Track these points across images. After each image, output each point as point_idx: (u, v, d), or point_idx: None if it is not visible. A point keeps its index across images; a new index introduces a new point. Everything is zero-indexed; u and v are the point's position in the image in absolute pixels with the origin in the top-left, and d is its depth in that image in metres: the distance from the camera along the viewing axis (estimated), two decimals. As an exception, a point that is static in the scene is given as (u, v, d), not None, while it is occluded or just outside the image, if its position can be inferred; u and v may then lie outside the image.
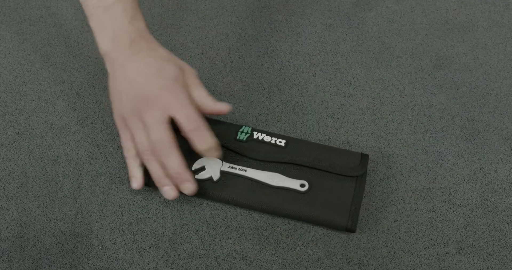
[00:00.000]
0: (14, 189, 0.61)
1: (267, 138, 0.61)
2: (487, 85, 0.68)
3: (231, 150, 0.60)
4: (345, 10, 0.74)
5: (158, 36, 0.70)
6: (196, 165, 0.59)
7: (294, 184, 0.59)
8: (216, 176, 0.59)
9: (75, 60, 0.69)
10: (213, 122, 0.62)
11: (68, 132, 0.64)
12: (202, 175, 0.59)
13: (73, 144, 0.63)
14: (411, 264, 0.57)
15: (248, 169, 0.59)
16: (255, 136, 0.61)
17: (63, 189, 0.61)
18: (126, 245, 0.58)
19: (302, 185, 0.58)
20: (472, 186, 0.62)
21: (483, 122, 0.66)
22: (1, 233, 0.58)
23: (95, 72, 0.68)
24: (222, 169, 0.59)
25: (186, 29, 0.72)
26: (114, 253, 0.58)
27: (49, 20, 0.72)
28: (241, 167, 0.59)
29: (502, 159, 0.63)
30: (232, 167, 0.59)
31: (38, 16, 0.72)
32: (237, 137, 0.61)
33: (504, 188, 0.61)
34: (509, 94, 0.67)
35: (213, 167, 0.59)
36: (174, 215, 0.60)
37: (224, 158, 0.60)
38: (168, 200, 0.60)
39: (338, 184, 0.58)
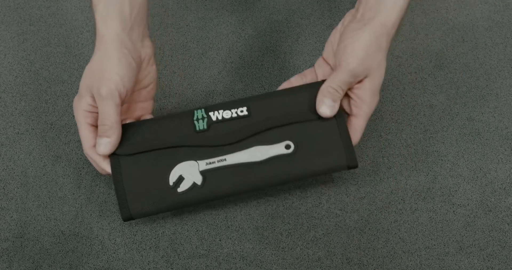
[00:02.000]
0: (14, 189, 0.61)
1: (227, 114, 0.55)
2: (487, 85, 0.68)
3: (198, 146, 0.54)
4: (345, 10, 0.74)
5: (158, 36, 0.70)
6: (172, 178, 0.53)
7: (278, 149, 0.54)
8: (198, 179, 0.53)
9: (75, 60, 0.69)
10: (161, 119, 0.56)
11: (68, 132, 0.64)
12: (185, 186, 0.53)
13: (73, 144, 0.63)
14: (411, 264, 0.57)
15: (227, 157, 0.54)
16: (213, 118, 0.54)
17: (63, 189, 0.61)
18: (126, 245, 0.58)
19: (288, 146, 0.54)
20: (472, 186, 0.62)
21: (483, 122, 0.66)
22: (1, 233, 0.58)
23: (95, 72, 0.68)
24: (200, 169, 0.54)
25: (186, 29, 0.72)
26: (114, 253, 0.58)
27: (49, 20, 0.72)
28: (219, 159, 0.54)
29: (502, 159, 0.63)
30: (209, 163, 0.54)
31: (38, 16, 0.72)
32: (197, 128, 0.54)
33: (504, 188, 0.61)
34: (509, 94, 0.67)
35: (190, 172, 0.53)
36: (174, 215, 0.60)
37: (196, 157, 0.54)
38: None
39: (320, 129, 0.55)
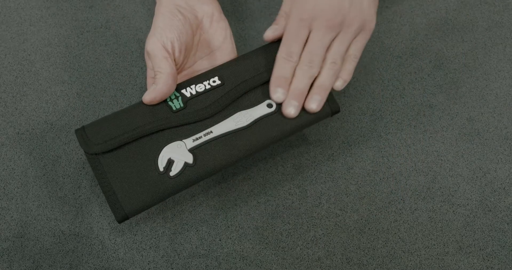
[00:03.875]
0: (14, 189, 0.61)
1: (200, 87, 0.53)
2: (486, 85, 0.68)
3: (180, 125, 0.52)
4: (345, 10, 0.74)
5: (158, 36, 0.70)
6: (161, 163, 0.51)
7: (261, 110, 0.53)
8: (189, 158, 0.51)
9: (75, 60, 0.69)
10: (135, 108, 0.53)
11: (68, 132, 0.64)
12: (176, 168, 0.51)
13: (73, 144, 0.63)
14: (411, 264, 0.57)
15: (212, 129, 0.52)
16: (187, 95, 0.53)
17: (63, 189, 0.61)
18: (126, 245, 0.58)
19: (270, 105, 0.54)
20: (472, 186, 0.62)
21: (483, 122, 0.66)
22: (1, 233, 0.59)
23: (95, 72, 0.68)
24: (189, 148, 0.51)
25: (186, 29, 0.72)
26: (114, 253, 0.58)
27: (49, 20, 0.72)
28: (205, 132, 0.52)
29: (501, 159, 0.63)
30: (196, 139, 0.52)
31: (39, 16, 0.72)
32: (174, 108, 0.52)
33: (504, 188, 0.62)
34: (509, 94, 0.68)
35: (179, 153, 0.51)
36: (174, 215, 0.60)
37: (181, 137, 0.52)
38: (168, 201, 0.60)
39: None
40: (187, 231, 0.59)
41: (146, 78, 0.67)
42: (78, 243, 0.58)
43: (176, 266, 0.57)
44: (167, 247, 0.58)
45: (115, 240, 0.58)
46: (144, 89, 0.67)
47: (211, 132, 0.52)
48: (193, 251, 0.58)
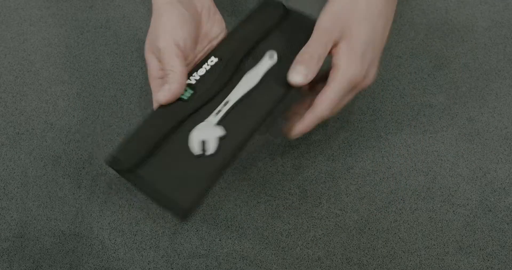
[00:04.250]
0: (14, 189, 0.61)
1: (201, 71, 0.54)
2: (486, 85, 0.68)
3: (197, 110, 0.52)
4: (345, 10, 0.74)
5: (158, 36, 0.70)
6: (196, 147, 0.50)
7: (265, 63, 0.54)
8: (219, 131, 0.51)
9: (75, 60, 0.69)
10: (148, 117, 0.53)
11: (68, 132, 0.64)
12: (212, 145, 0.50)
13: (73, 144, 0.63)
14: (411, 264, 0.57)
15: (228, 98, 0.53)
16: (192, 82, 0.53)
17: (63, 189, 0.61)
18: (126, 245, 0.58)
19: (271, 56, 0.55)
20: (472, 186, 0.62)
21: (483, 122, 0.66)
22: (1, 233, 0.59)
23: (95, 72, 0.68)
24: (214, 123, 0.52)
25: (186, 29, 0.72)
26: (114, 253, 0.58)
27: (49, 20, 0.72)
28: (222, 104, 0.53)
29: (501, 159, 0.63)
30: (217, 112, 0.52)
31: (39, 16, 0.72)
32: (185, 98, 0.52)
33: (504, 188, 0.62)
34: (509, 94, 0.68)
35: (209, 131, 0.51)
36: (174, 215, 0.60)
37: (203, 117, 0.52)
38: (168, 200, 0.60)
39: (290, 30, 0.56)
40: (187, 231, 0.59)
41: (146, 78, 0.67)
42: (78, 243, 0.58)
43: (176, 266, 0.57)
44: (167, 247, 0.58)
45: (115, 240, 0.58)
46: (144, 89, 0.67)
47: (228, 101, 0.52)
48: (193, 251, 0.58)
